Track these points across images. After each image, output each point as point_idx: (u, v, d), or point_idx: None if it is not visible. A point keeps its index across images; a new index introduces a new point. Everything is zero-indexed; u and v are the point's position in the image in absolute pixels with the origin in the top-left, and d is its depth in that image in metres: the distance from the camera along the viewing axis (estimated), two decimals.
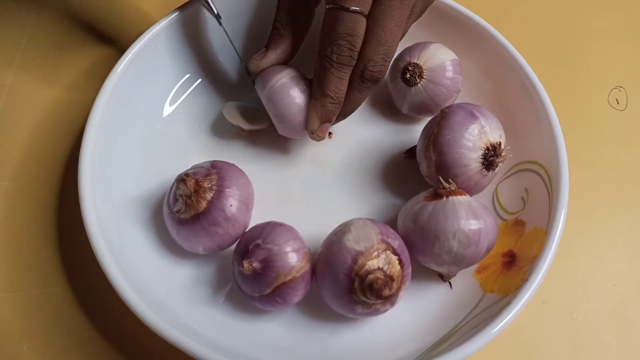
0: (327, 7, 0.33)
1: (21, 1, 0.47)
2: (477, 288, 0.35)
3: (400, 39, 0.35)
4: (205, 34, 0.41)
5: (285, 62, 0.38)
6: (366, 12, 0.33)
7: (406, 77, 0.39)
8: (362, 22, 0.33)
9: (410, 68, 0.39)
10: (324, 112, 0.35)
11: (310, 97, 0.36)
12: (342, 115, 0.36)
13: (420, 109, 0.40)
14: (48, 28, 0.46)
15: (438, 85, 0.39)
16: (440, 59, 0.39)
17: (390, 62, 0.34)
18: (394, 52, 0.34)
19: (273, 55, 0.37)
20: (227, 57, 0.43)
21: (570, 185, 0.34)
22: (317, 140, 0.37)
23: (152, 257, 0.35)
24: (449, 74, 0.39)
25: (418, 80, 0.39)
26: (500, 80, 0.41)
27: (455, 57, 0.40)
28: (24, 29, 0.46)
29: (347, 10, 0.32)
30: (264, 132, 0.41)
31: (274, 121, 0.38)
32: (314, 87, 0.35)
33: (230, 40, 0.39)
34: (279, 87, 0.36)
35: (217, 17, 0.38)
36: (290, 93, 0.36)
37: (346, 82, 0.34)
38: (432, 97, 0.39)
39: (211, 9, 0.38)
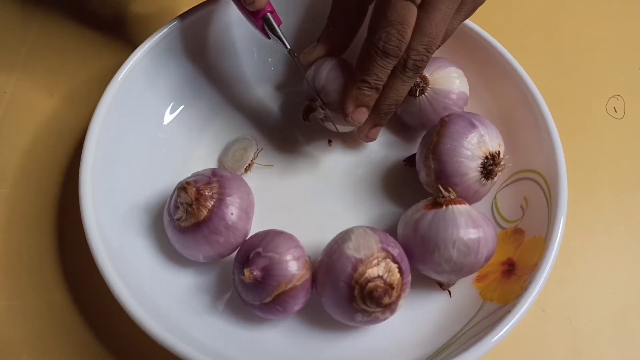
0: None
1: (25, 7, 0.48)
2: (476, 297, 0.35)
3: (446, 36, 0.35)
4: (207, 43, 0.42)
5: (334, 55, 0.39)
6: (418, 1, 0.32)
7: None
8: (414, 11, 0.32)
9: (418, 80, 0.39)
10: (358, 95, 0.35)
11: (349, 80, 0.36)
12: (387, 107, 0.36)
13: (417, 121, 0.40)
14: (50, 35, 0.47)
15: (437, 103, 0.39)
16: (450, 86, 0.39)
17: (432, 54, 0.34)
18: (437, 45, 0.34)
19: (321, 49, 0.38)
20: (229, 64, 0.43)
21: (568, 193, 0.34)
22: (355, 125, 0.37)
23: (152, 265, 0.35)
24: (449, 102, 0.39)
25: (419, 93, 0.39)
26: (499, 89, 0.41)
27: (467, 92, 0.40)
28: (26, 35, 0.46)
29: None
30: (266, 139, 0.41)
31: (327, 112, 0.38)
32: (355, 71, 0.35)
33: (302, 70, 0.38)
34: (324, 70, 0.37)
35: (291, 52, 0.37)
36: (336, 74, 0.37)
37: (388, 72, 0.34)
38: (433, 110, 0.39)
39: (284, 44, 0.36)
